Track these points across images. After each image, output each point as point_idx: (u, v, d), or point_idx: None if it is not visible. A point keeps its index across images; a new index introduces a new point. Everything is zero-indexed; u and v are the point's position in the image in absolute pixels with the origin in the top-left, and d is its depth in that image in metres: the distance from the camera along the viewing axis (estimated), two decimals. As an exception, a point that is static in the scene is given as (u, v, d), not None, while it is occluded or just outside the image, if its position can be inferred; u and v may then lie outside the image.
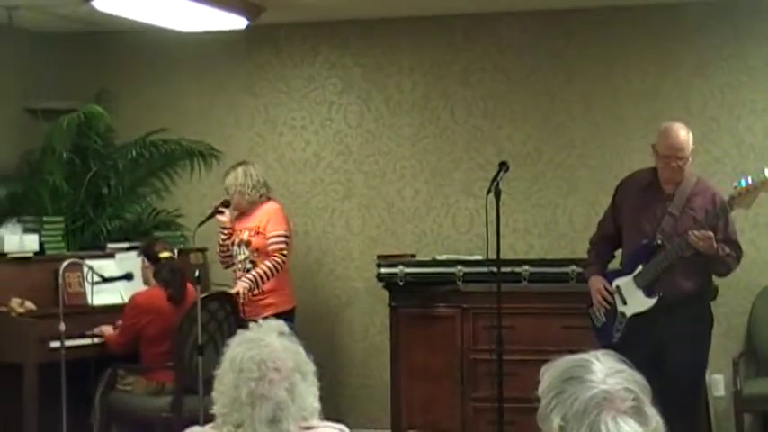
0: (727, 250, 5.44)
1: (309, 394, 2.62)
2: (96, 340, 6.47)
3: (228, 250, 6.81)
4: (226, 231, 6.81)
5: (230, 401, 2.58)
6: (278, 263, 6.59)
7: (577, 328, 6.02)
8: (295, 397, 2.58)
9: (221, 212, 6.78)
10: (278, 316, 6.45)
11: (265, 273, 6.58)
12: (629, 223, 5.63)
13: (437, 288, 6.90)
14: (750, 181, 5.26)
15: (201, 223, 6.86)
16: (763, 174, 5.26)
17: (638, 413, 2.09)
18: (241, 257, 6.70)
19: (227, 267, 6.92)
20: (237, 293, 6.53)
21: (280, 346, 2.62)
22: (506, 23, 7.36)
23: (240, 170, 6.74)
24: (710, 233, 5.31)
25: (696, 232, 5.29)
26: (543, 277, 6.74)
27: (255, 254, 6.65)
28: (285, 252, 6.65)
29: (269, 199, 6.81)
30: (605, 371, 2.13)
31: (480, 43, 7.41)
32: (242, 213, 6.78)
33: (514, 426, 6.13)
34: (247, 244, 6.67)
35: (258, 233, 6.66)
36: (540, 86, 7.32)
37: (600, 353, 2.20)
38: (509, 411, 6.10)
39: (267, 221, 6.68)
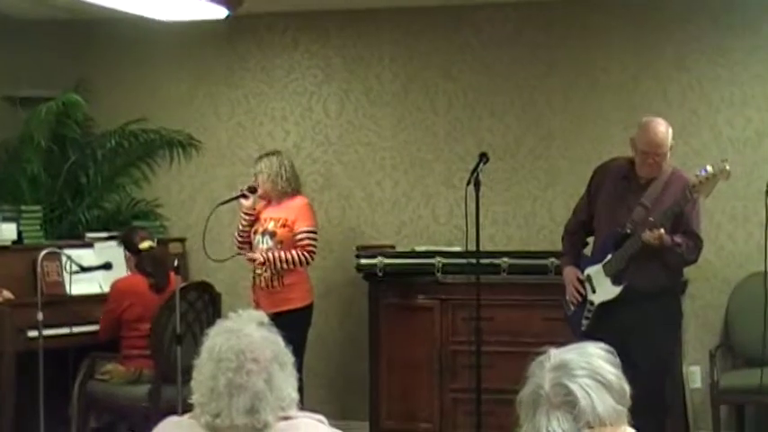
0: (683, 246, 5.44)
1: (288, 385, 2.62)
2: (75, 330, 6.46)
3: (248, 237, 6.64)
4: (248, 218, 6.62)
5: (208, 391, 2.58)
6: (304, 257, 6.46)
7: (556, 320, 6.04)
8: (273, 387, 2.58)
9: (246, 197, 6.60)
10: (296, 311, 6.44)
11: (287, 260, 6.43)
12: (602, 211, 5.66)
13: (416, 279, 6.90)
14: (710, 169, 5.29)
15: (223, 203, 6.71)
16: (722, 163, 5.29)
17: (571, 406, 2.14)
18: (263, 247, 6.51)
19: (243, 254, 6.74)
20: (254, 261, 6.45)
21: (258, 337, 2.61)
22: (487, 15, 7.36)
23: (275, 159, 6.59)
24: (660, 231, 5.32)
25: (651, 231, 5.32)
26: (522, 269, 6.76)
27: (279, 246, 6.47)
28: (314, 250, 6.53)
29: (298, 192, 6.67)
30: (550, 365, 2.19)
31: (461, 35, 7.41)
32: (268, 202, 6.62)
33: (492, 416, 6.16)
34: (272, 234, 6.50)
35: (285, 226, 6.49)
36: (521, 78, 7.33)
37: (571, 346, 2.25)
38: (487, 402, 6.13)
39: (296, 216, 6.52)
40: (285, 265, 6.45)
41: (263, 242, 6.52)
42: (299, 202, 6.60)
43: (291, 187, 6.58)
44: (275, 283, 6.48)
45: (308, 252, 6.49)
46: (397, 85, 7.53)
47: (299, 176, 6.77)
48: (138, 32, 7.62)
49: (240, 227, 6.66)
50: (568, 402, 2.15)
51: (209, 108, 7.85)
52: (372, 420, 6.97)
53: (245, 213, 6.62)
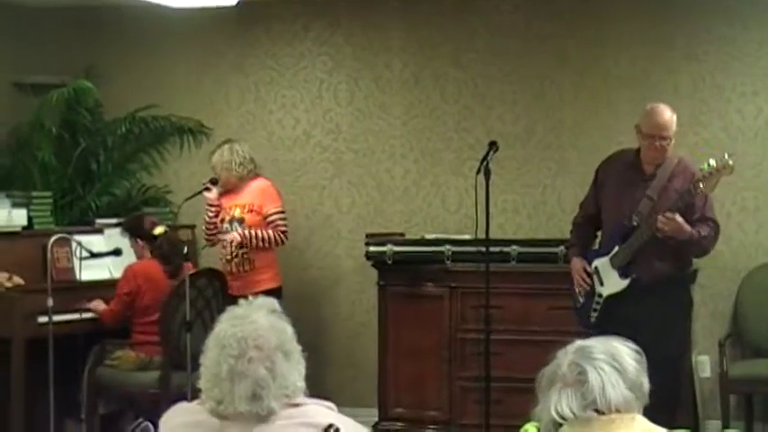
0: (704, 233, 5.42)
1: (293, 372, 2.62)
2: (85, 315, 6.47)
3: (216, 228, 6.81)
4: (213, 209, 6.81)
5: (212, 377, 2.59)
6: (278, 238, 6.69)
7: (564, 309, 6.02)
8: (276, 375, 2.58)
9: (208, 189, 6.80)
10: (267, 293, 6.46)
11: (263, 239, 6.63)
12: (608, 203, 5.64)
13: (425, 267, 6.90)
14: (713, 164, 5.27)
15: (188, 199, 6.92)
16: (725, 158, 5.27)
17: (581, 384, 2.18)
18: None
19: (212, 245, 6.94)
20: (231, 242, 6.60)
21: (265, 324, 2.61)
22: (495, 3, 7.34)
23: (226, 147, 6.78)
24: (675, 215, 5.30)
25: (665, 215, 5.29)
26: (531, 257, 6.74)
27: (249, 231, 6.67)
28: (287, 230, 6.74)
29: (257, 176, 6.83)
30: (573, 349, 2.24)
31: (471, 23, 7.40)
32: (229, 190, 6.79)
33: (501, 405, 6.16)
34: (240, 221, 6.68)
35: (252, 210, 6.69)
36: (531, 67, 7.31)
37: (599, 338, 2.30)
38: (496, 390, 6.14)
39: (262, 199, 6.71)
40: (261, 243, 6.64)
41: (232, 229, 6.71)
42: (260, 184, 6.79)
43: (248, 170, 6.77)
44: (246, 267, 6.66)
45: (282, 233, 6.71)
46: (407, 73, 7.53)
47: (255, 160, 6.88)
48: (148, 19, 7.62)
49: (207, 219, 6.85)
50: (580, 381, 2.18)
51: (219, 95, 7.85)
52: (381, 408, 6.97)
53: (210, 205, 6.81)
